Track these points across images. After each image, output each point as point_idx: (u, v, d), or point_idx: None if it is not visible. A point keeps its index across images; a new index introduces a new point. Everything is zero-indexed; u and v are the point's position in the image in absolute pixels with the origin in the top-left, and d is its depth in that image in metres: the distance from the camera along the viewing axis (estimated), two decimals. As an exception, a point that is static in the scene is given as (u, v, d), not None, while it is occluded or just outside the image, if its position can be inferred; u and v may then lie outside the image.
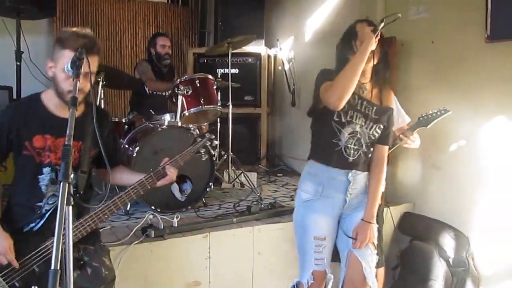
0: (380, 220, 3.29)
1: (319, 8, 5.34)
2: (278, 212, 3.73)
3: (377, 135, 2.54)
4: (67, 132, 1.62)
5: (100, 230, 3.16)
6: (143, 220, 3.29)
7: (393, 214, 3.90)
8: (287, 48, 5.91)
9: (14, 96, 4.96)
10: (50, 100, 2.28)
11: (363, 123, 2.50)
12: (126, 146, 3.98)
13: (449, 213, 3.81)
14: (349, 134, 2.48)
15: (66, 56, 2.10)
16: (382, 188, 2.62)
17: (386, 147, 2.62)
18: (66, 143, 1.58)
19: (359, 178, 2.55)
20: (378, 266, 3.24)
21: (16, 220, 2.25)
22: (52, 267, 1.38)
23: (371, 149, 2.58)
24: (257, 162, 5.78)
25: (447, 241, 3.68)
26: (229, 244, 3.36)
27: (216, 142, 2.40)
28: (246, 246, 3.42)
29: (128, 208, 3.71)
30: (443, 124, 3.25)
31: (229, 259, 3.36)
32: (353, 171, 2.52)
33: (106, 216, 2.23)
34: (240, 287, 3.42)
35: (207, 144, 2.52)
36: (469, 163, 3.67)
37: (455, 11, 3.75)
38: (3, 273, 2.10)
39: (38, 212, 2.26)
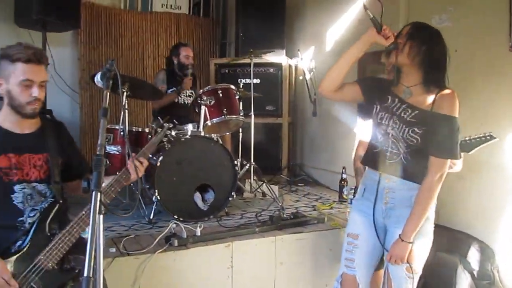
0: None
1: (340, 17, 5.34)
2: (300, 222, 3.72)
3: (414, 141, 2.30)
4: (99, 141, 1.64)
5: (124, 239, 3.23)
6: (167, 229, 3.32)
7: (416, 225, 3.86)
8: (308, 58, 5.92)
9: (40, 107, 5.05)
10: (5, 120, 2.26)
11: (394, 125, 2.35)
12: (150, 155, 4.01)
13: (473, 224, 3.77)
14: (382, 135, 2.40)
15: (19, 69, 2.12)
16: (429, 205, 2.36)
17: (440, 160, 2.30)
18: (97, 153, 1.60)
19: (397, 186, 2.38)
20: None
21: (0, 242, 2.19)
22: (85, 274, 1.40)
23: (421, 158, 2.32)
24: (278, 172, 5.78)
25: (472, 253, 3.63)
26: (251, 253, 3.37)
27: (174, 132, 2.44)
28: (268, 256, 3.43)
29: (151, 217, 3.74)
30: (466, 134, 3.22)
31: (251, 269, 3.36)
32: (390, 176, 2.38)
33: (89, 221, 2.22)
34: (262, 297, 3.42)
35: (167, 133, 2.53)
36: (494, 174, 3.63)
37: (479, 20, 3.72)
38: None
39: (22, 228, 2.24)
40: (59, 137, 2.33)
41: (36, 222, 2.21)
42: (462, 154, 2.72)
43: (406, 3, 4.44)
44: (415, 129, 2.30)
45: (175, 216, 3.69)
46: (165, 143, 2.47)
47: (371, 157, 2.48)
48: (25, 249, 2.16)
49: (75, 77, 5.99)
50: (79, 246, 2.24)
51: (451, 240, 3.79)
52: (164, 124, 2.63)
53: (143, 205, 3.89)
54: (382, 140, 2.41)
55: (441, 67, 2.34)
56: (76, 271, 2.23)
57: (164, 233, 3.28)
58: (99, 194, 1.52)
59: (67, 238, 2.14)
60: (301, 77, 6.09)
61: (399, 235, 2.35)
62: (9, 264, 2.10)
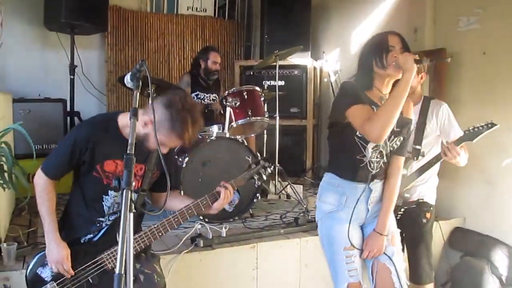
0: (428, 235, 3.23)
1: (366, 19, 5.32)
2: (325, 224, 3.70)
3: (395, 146, 2.46)
4: (129, 141, 1.66)
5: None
6: (192, 230, 3.35)
7: (443, 229, 3.83)
8: (333, 60, 5.91)
9: (68, 109, 5.15)
10: (126, 126, 2.27)
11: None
12: (175, 156, 4.05)
13: (500, 229, 3.72)
14: (372, 148, 2.41)
15: (171, 138, 2.18)
16: (396, 198, 2.57)
17: (403, 158, 2.55)
18: (128, 152, 1.63)
19: (378, 186, 2.51)
20: (426, 282, 3.19)
21: (75, 230, 2.32)
22: (117, 272, 1.42)
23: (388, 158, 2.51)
24: (302, 174, 5.77)
25: (500, 258, 3.59)
26: (276, 255, 3.38)
27: (270, 170, 2.38)
28: (293, 258, 3.43)
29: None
30: (496, 138, 3.18)
31: (276, 271, 3.37)
32: (374, 180, 2.47)
33: (160, 234, 2.29)
34: (287, 299, 3.42)
35: (261, 171, 2.52)
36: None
37: (507, 21, 3.67)
38: (58, 281, 2.19)
39: (98, 225, 2.34)
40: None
41: (111, 224, 2.31)
42: (466, 147, 2.94)
43: (432, 5, 4.40)
44: (400, 137, 2.46)
45: (200, 217, 3.71)
46: (256, 180, 2.44)
47: (359, 172, 2.44)
48: (93, 244, 2.27)
49: (102, 79, 6.08)
50: (141, 257, 2.37)
51: (478, 245, 3.75)
52: (261, 161, 2.63)
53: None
54: (371, 153, 2.41)
55: None
56: (135, 270, 2.29)
57: (190, 233, 3.31)
58: (129, 192, 1.54)
59: (133, 245, 2.19)
60: (326, 79, 6.08)
61: (374, 229, 2.52)
62: (74, 253, 2.20)
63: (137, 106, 1.74)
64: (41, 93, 5.22)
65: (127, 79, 1.82)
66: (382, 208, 2.52)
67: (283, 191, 4.87)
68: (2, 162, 2.60)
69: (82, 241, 2.30)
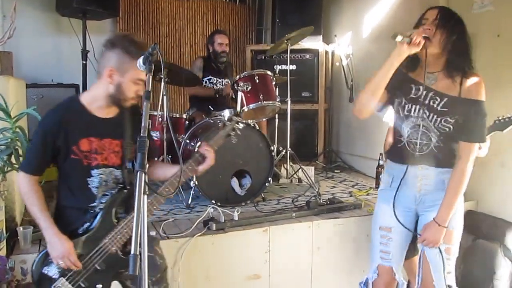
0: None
1: (378, 2, 5.27)
2: (337, 207, 3.73)
3: (447, 129, 2.32)
4: (143, 123, 1.67)
5: (164, 223, 3.29)
6: (205, 214, 3.38)
7: (455, 212, 3.81)
8: (345, 43, 5.87)
9: (81, 93, 5.16)
10: (91, 103, 2.29)
11: (425, 116, 2.34)
12: (188, 141, 4.07)
13: (514, 212, 3.70)
14: (410, 128, 2.37)
15: (135, 68, 2.10)
16: (463, 189, 2.36)
17: (470, 144, 2.33)
18: (141, 135, 1.64)
19: (430, 173, 2.39)
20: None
21: (69, 223, 2.28)
22: (132, 252, 1.45)
23: (451, 144, 2.37)
24: (314, 158, 5.76)
25: (512, 241, 3.58)
26: (289, 238, 3.40)
27: (242, 125, 2.43)
28: (305, 241, 3.45)
29: (189, 202, 3.80)
30: (508, 119, 3.15)
31: (289, 253, 3.39)
32: (422, 165, 2.38)
33: (154, 207, 2.29)
34: (299, 281, 3.45)
35: (235, 127, 2.54)
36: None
37: (523, 4, 3.62)
38: (67, 276, 2.17)
39: (91, 212, 2.31)
40: (134, 121, 2.36)
41: (105, 206, 2.29)
42: (488, 138, 2.74)
43: (446, -13, 4.34)
44: (448, 118, 2.32)
45: (213, 201, 3.73)
46: (233, 136, 2.49)
47: (398, 152, 2.45)
48: (92, 231, 2.25)
49: (114, 64, 6.08)
50: None
51: (491, 227, 3.74)
52: (233, 118, 2.64)
53: (181, 190, 3.95)
54: (410, 133, 2.39)
55: (466, 55, 2.33)
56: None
57: (202, 217, 3.34)
58: (143, 174, 1.55)
59: (132, 224, 2.19)
60: (337, 63, 6.05)
61: (434, 218, 2.36)
62: (76, 245, 2.19)
63: (150, 89, 1.74)
64: (54, 78, 5.25)
65: (140, 62, 1.82)
66: (444, 197, 2.35)
67: (294, 175, 4.88)
68: (17, 147, 2.63)
69: (80, 232, 2.27)
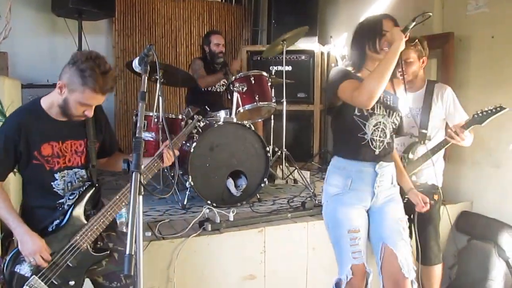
0: (436, 216, 3.26)
1: (374, 3, 5.28)
2: (332, 208, 3.72)
3: (397, 123, 2.56)
4: (138, 124, 1.68)
5: (159, 223, 3.29)
6: (200, 214, 3.38)
7: (450, 213, 3.82)
8: (341, 45, 5.88)
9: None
10: (51, 108, 2.27)
11: (385, 113, 2.51)
12: (184, 142, 4.07)
13: (507, 212, 3.72)
14: (373, 126, 2.48)
15: (86, 94, 2.12)
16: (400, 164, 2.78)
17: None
18: (137, 135, 1.65)
19: (386, 170, 2.55)
20: (435, 262, 3.22)
21: (38, 222, 2.27)
22: (127, 252, 1.45)
23: (393, 140, 2.62)
24: (309, 159, 5.78)
25: (506, 241, 3.60)
26: (284, 239, 3.39)
27: (202, 124, 2.47)
28: (300, 242, 3.45)
29: (185, 203, 3.80)
30: (505, 122, 3.17)
31: (284, 254, 3.39)
32: (380, 163, 2.51)
33: (123, 204, 2.29)
34: (294, 282, 3.45)
35: (197, 125, 2.60)
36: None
37: (517, 5, 3.64)
38: (40, 273, 2.17)
39: (60, 209, 2.31)
40: (96, 119, 2.37)
41: (73, 204, 2.29)
42: (470, 131, 2.96)
43: (441, -12, 4.37)
44: (398, 113, 2.55)
45: (208, 202, 3.74)
46: (194, 134, 2.56)
47: (359, 150, 2.51)
48: (62, 229, 2.25)
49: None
50: (111, 224, 2.34)
51: (485, 228, 3.76)
52: (194, 116, 2.69)
53: (177, 191, 3.95)
54: (372, 131, 2.48)
55: None
56: (109, 249, 2.35)
57: (198, 218, 3.34)
58: (139, 175, 1.56)
59: (101, 220, 2.24)
60: (333, 64, 6.05)
61: (410, 189, 2.77)
62: (47, 243, 2.19)
63: (145, 89, 1.75)
64: (50, 78, 5.23)
65: (135, 63, 1.83)
66: (399, 178, 2.69)
67: (290, 176, 4.89)
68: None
69: (50, 230, 2.27)
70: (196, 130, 2.50)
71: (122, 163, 1.62)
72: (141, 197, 1.56)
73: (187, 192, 3.83)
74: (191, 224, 3.24)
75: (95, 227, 2.24)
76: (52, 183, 2.28)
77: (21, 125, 2.21)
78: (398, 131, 2.63)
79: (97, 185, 2.36)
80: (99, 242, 2.33)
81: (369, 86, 2.28)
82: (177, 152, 2.38)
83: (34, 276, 2.16)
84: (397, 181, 2.68)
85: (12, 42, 4.83)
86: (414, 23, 2.33)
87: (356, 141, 2.51)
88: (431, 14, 2.36)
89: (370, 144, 2.49)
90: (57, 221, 2.28)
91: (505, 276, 3.53)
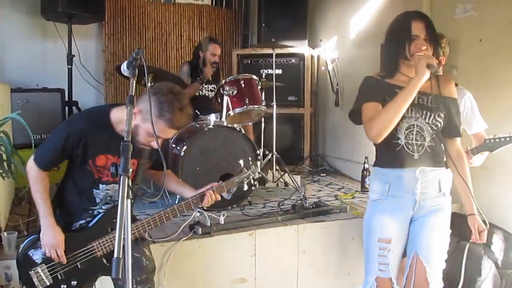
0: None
1: (363, 7, 5.31)
2: (323, 211, 3.74)
3: (439, 125, 2.36)
4: (126, 128, 1.69)
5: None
6: (191, 218, 3.38)
7: (439, 215, 3.85)
8: (331, 48, 5.91)
9: (66, 98, 5.15)
10: (119, 123, 2.29)
11: (418, 115, 2.35)
12: (173, 145, 4.07)
13: (497, 214, 3.73)
14: (406, 130, 2.34)
15: (160, 126, 2.16)
16: (469, 184, 2.45)
17: (458, 139, 2.46)
18: (125, 139, 1.65)
19: (430, 175, 2.37)
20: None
21: (67, 215, 2.37)
22: (115, 256, 1.45)
23: (440, 143, 2.42)
24: (300, 162, 5.79)
25: (496, 242, 3.61)
26: (274, 242, 3.40)
27: (259, 176, 2.44)
28: (291, 244, 3.46)
29: (175, 206, 3.79)
30: (492, 125, 3.18)
31: (274, 257, 3.40)
32: (421, 168, 2.34)
33: (150, 228, 2.36)
34: (285, 285, 3.46)
35: (251, 177, 2.62)
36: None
37: (504, 9, 3.67)
38: (49, 264, 2.24)
39: (90, 212, 2.38)
40: None
41: (105, 211, 2.35)
42: (482, 155, 2.90)
43: (429, -9, 4.40)
44: (440, 113, 2.36)
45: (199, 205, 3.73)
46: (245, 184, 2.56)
47: (395, 156, 2.37)
48: (85, 231, 2.32)
49: (99, 69, 6.07)
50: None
51: (475, 230, 3.77)
52: (252, 166, 2.68)
53: (167, 195, 3.94)
54: (405, 135, 2.35)
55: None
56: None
57: (188, 221, 3.34)
58: (126, 178, 1.56)
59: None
60: (323, 68, 6.09)
61: (469, 213, 2.50)
62: (67, 239, 2.24)
63: (133, 93, 1.75)
64: (39, 83, 5.22)
65: (124, 67, 1.84)
66: (462, 193, 2.48)
67: (280, 179, 4.90)
68: (1, 152, 2.62)
69: (73, 227, 2.35)
70: (247, 181, 2.47)
71: (111, 166, 1.63)
72: (129, 201, 1.57)
73: (177, 196, 3.82)
74: (181, 228, 3.23)
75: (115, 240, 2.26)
76: (94, 190, 2.36)
77: (83, 133, 2.26)
78: (446, 132, 2.42)
79: (133, 201, 2.34)
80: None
81: (381, 121, 2.25)
82: (219, 198, 2.46)
83: (43, 264, 2.24)
84: (463, 200, 2.51)
85: (1, 46, 4.82)
86: (440, 70, 2.33)
87: (391, 148, 2.37)
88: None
89: (406, 148, 2.34)
90: (83, 222, 2.36)
91: (494, 277, 3.54)
